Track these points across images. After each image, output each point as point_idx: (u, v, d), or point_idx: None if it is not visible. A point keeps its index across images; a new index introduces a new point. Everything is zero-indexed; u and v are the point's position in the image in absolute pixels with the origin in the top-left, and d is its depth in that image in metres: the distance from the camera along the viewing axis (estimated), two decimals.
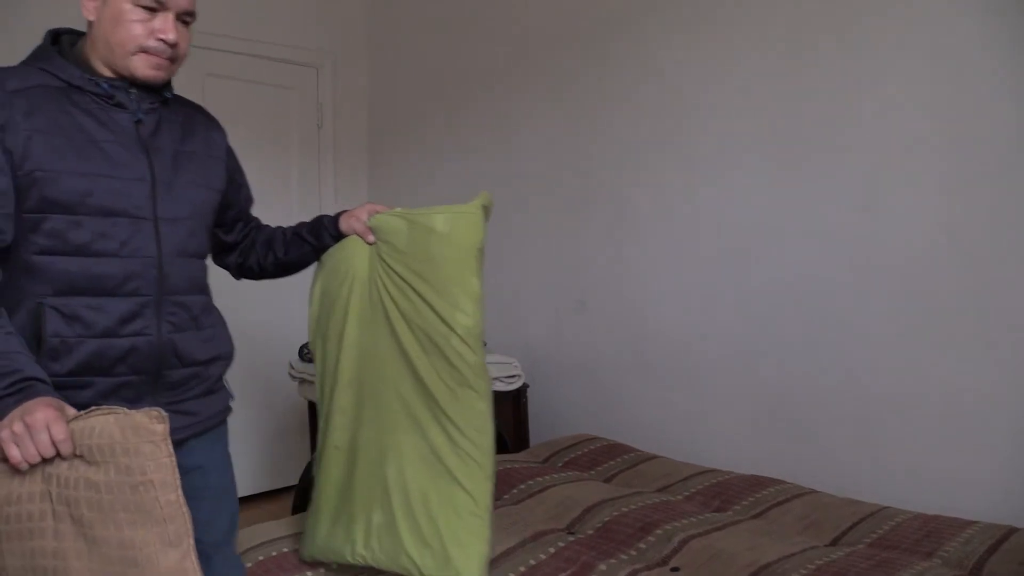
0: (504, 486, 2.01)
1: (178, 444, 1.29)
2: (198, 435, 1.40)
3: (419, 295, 1.48)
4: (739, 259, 2.36)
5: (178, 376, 1.35)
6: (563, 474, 2.11)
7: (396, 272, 1.50)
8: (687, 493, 1.98)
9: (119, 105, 1.30)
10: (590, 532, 1.73)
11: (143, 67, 1.29)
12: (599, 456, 2.30)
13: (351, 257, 1.57)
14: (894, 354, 2.04)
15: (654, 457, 2.28)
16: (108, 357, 1.26)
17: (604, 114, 2.74)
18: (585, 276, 2.83)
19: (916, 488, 1.97)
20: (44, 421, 1.01)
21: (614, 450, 2.34)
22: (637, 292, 2.64)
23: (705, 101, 2.44)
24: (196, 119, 1.46)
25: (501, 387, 2.79)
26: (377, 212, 1.58)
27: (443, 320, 1.46)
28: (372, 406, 1.55)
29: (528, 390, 2.91)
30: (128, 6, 1.27)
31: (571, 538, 1.69)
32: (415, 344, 1.49)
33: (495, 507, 1.84)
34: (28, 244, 1.23)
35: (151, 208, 1.31)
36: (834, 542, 1.69)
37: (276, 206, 3.35)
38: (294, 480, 3.14)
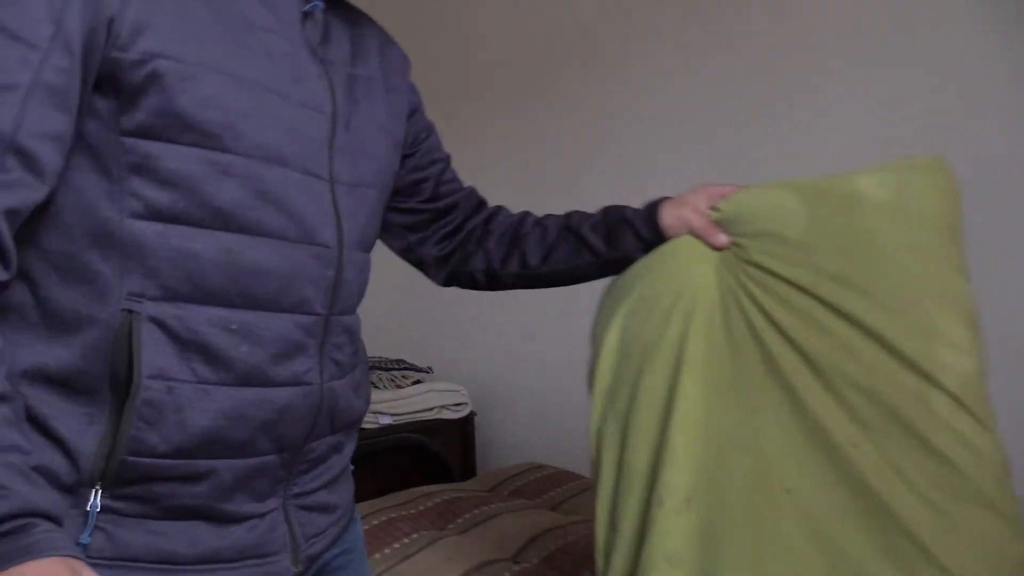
0: (449, 516, 1.99)
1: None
2: (336, 542, 0.92)
3: (848, 319, 0.80)
4: None
5: (321, 450, 0.86)
6: (509, 503, 2.10)
7: (790, 282, 0.83)
8: None
9: None
10: (535, 561, 1.72)
11: None
12: (546, 484, 2.29)
13: (683, 273, 0.93)
14: None
15: None
16: (251, 422, 0.75)
17: (559, 145, 2.77)
18: (535, 303, 2.84)
19: None
20: None
21: (561, 478, 2.34)
22: (586, 320, 2.65)
23: (658, 139, 2.49)
24: (366, 30, 0.94)
25: (448, 415, 2.78)
26: (726, 195, 0.95)
27: (910, 363, 0.77)
28: (752, 555, 0.80)
29: (475, 418, 2.89)
30: None
31: (516, 568, 1.68)
32: (845, 420, 0.79)
33: (439, 538, 1.82)
34: (122, 197, 0.69)
35: (327, 161, 0.81)
36: None
37: None
38: None
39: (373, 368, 2.72)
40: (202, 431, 0.72)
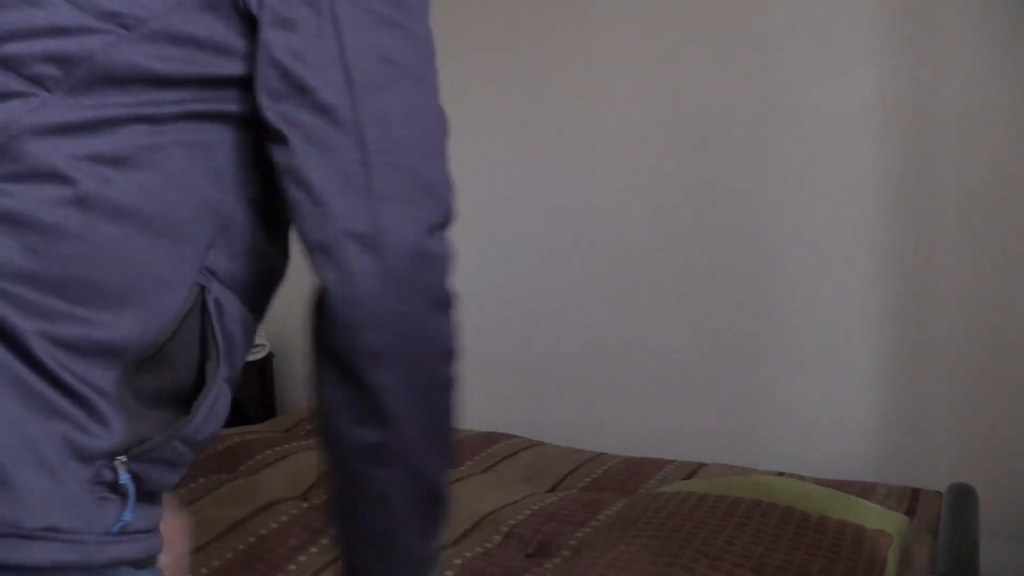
0: (241, 458, 1.96)
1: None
2: None
3: None
4: (482, 230, 2.47)
5: None
6: (305, 443, 2.10)
7: None
8: None
9: None
10: (325, 497, 1.74)
11: None
12: None
13: None
14: (609, 316, 2.25)
15: None
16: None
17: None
18: None
19: (626, 436, 2.20)
20: None
21: None
22: None
23: (449, 74, 2.50)
24: None
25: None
26: None
27: None
28: None
29: (274, 360, 2.85)
30: None
31: (305, 505, 1.70)
32: None
33: (227, 482, 1.80)
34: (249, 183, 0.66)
35: None
36: (553, 488, 1.84)
37: None
38: None
39: None
40: (219, 424, 0.67)
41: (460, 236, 2.30)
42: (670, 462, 1.94)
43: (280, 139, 0.60)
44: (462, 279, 2.33)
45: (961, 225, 1.82)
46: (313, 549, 1.51)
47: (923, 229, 1.85)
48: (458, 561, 1.42)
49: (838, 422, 1.97)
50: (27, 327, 0.55)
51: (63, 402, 0.56)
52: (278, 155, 0.61)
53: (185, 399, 0.64)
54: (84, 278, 0.57)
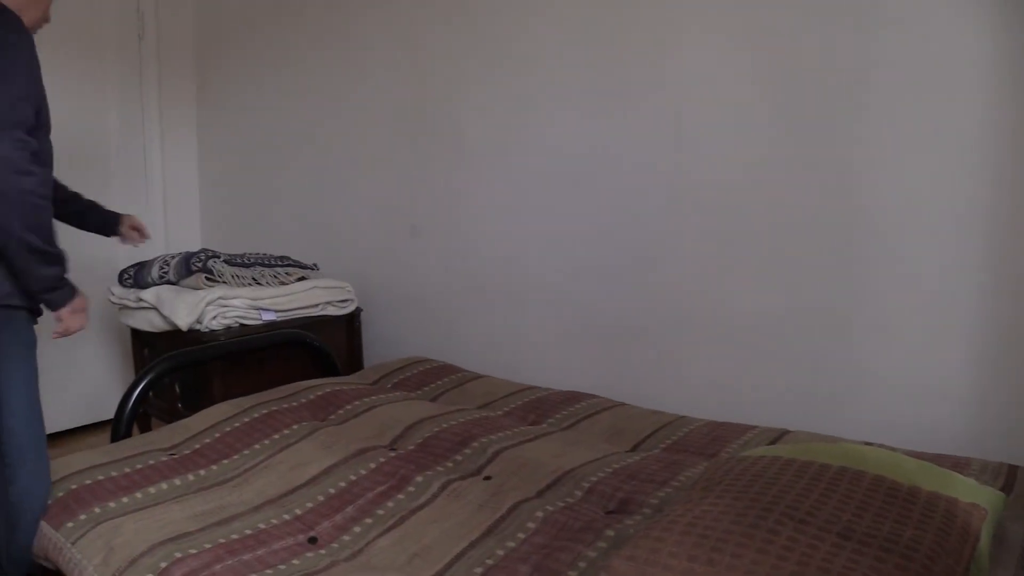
0: (330, 408, 2.04)
1: None
2: None
3: None
4: (564, 188, 2.46)
5: None
6: (390, 395, 2.17)
7: None
8: (506, 409, 2.09)
9: None
10: (411, 448, 1.80)
11: None
12: (427, 377, 2.37)
13: None
14: (696, 279, 2.22)
15: (480, 377, 2.38)
16: None
17: (439, 41, 2.73)
18: (417, 202, 2.86)
19: (709, 400, 2.18)
20: None
21: (442, 371, 2.42)
22: (468, 219, 2.69)
23: (536, 35, 2.48)
24: None
25: (333, 311, 2.80)
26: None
27: None
28: None
29: (362, 314, 2.93)
30: None
31: (392, 454, 1.76)
32: None
33: (318, 429, 1.87)
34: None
35: None
36: (634, 448, 1.85)
37: (94, 123, 3.13)
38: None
39: (255, 265, 2.69)
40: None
41: (549, 197, 2.32)
42: (753, 427, 1.92)
43: None
44: (547, 242, 2.35)
45: None
46: (400, 496, 1.57)
47: None
48: (540, 514, 1.45)
49: (932, 392, 1.91)
50: None
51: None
52: None
53: None
54: None
